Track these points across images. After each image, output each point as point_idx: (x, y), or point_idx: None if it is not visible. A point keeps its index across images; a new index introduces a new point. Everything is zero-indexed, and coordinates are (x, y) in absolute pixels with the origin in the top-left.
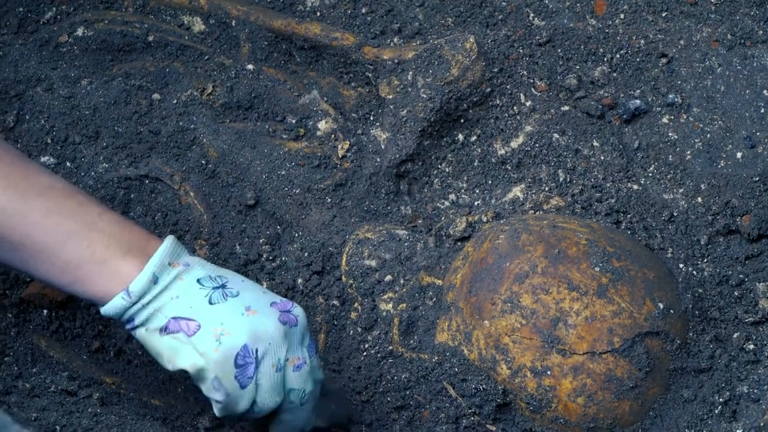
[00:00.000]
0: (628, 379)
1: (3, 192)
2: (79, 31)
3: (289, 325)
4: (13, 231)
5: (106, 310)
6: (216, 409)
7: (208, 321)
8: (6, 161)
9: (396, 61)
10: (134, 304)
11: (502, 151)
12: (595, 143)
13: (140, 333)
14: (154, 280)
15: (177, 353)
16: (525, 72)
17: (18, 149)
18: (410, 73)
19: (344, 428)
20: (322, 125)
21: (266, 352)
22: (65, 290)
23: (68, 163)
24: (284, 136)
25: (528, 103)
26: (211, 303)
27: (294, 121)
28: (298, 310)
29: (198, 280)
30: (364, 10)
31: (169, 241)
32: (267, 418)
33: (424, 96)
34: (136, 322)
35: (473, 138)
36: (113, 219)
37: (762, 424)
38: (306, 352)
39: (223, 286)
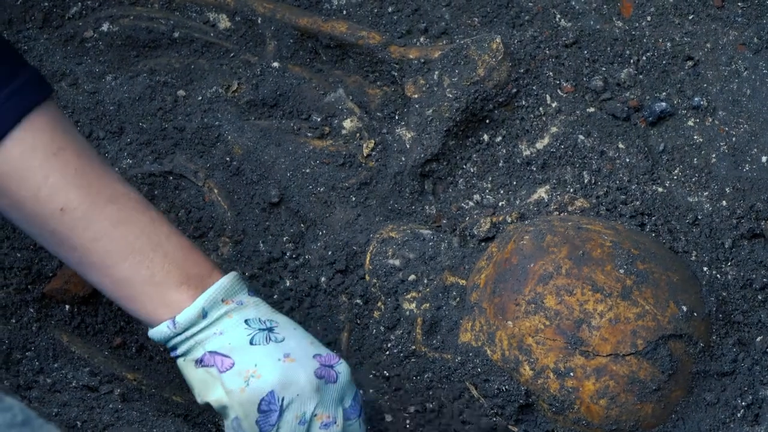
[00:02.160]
0: (651, 382)
1: (77, 190)
2: (105, 27)
3: (325, 381)
4: (79, 233)
5: (152, 334)
6: None
7: (242, 360)
8: (84, 160)
9: (422, 60)
10: (178, 334)
11: (528, 152)
12: (621, 145)
13: (179, 362)
14: (203, 314)
15: (207, 387)
16: (551, 73)
17: (98, 152)
18: (436, 72)
19: None
20: (348, 124)
21: (292, 402)
22: (115, 302)
23: None
24: (309, 134)
25: (554, 105)
26: (251, 344)
27: (319, 120)
28: (341, 368)
29: (246, 321)
30: (390, 9)
31: (230, 277)
32: None
33: (450, 96)
34: (179, 351)
35: (498, 138)
36: (180, 244)
37: None
38: (340, 412)
39: (270, 330)
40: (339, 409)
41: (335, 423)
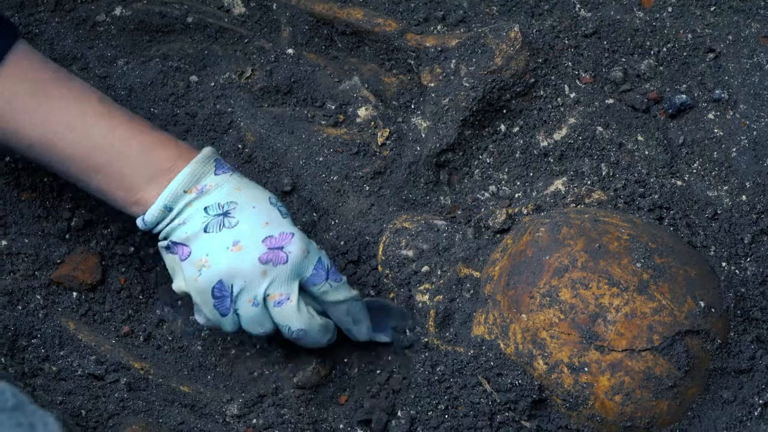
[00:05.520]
0: (666, 378)
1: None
2: (117, 11)
3: (272, 263)
4: (59, 152)
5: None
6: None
7: (197, 249)
8: (61, 76)
9: (439, 48)
10: (151, 229)
11: (545, 143)
12: (640, 137)
13: (160, 248)
14: (168, 209)
15: (173, 273)
16: (570, 63)
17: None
18: (453, 61)
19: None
20: (362, 112)
21: (243, 288)
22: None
23: None
24: (323, 122)
25: (572, 95)
26: (205, 231)
27: (333, 107)
28: (292, 247)
29: (205, 208)
30: None
31: (195, 162)
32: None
33: (467, 85)
34: (159, 238)
35: (515, 129)
36: (145, 142)
37: None
38: (295, 287)
39: (225, 214)
40: (293, 285)
41: (288, 299)
